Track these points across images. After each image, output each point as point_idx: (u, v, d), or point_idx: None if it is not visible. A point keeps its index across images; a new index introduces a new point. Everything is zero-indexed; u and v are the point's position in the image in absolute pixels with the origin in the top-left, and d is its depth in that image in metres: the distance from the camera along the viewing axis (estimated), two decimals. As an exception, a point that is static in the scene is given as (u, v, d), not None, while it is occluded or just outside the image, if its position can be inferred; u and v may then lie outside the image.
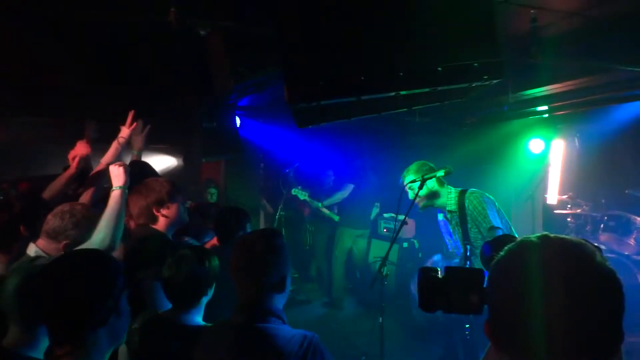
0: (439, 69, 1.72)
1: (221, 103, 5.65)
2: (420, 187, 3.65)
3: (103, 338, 1.43)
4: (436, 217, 4.18)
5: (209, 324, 2.24)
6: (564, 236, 0.97)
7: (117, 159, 3.39)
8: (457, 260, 4.13)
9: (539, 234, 0.99)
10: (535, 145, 6.56)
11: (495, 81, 1.85)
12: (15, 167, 6.44)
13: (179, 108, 6.39)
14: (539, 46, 3.97)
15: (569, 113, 5.79)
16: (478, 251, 3.65)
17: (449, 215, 3.86)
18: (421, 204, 3.84)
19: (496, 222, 3.55)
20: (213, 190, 6.95)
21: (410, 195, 3.82)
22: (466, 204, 3.69)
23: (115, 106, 6.17)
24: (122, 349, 2.33)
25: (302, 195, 6.92)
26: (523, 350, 0.91)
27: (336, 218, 7.19)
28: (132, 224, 3.02)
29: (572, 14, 3.98)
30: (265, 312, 1.92)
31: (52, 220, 2.49)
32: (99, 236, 2.47)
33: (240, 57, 4.27)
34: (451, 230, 3.93)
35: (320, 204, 7.07)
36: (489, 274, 1.02)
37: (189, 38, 3.59)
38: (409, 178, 3.79)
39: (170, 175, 8.13)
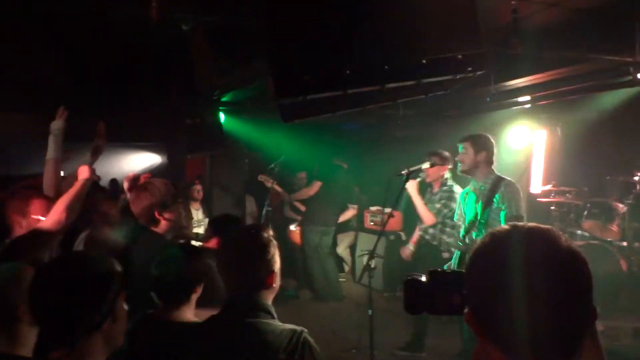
0: (423, 61, 1.73)
1: (204, 99, 5.61)
2: (406, 180, 3.69)
3: (98, 343, 1.41)
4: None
5: (199, 321, 2.23)
6: (531, 224, 1.01)
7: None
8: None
9: (511, 224, 1.03)
10: (518, 135, 6.62)
11: (479, 73, 1.86)
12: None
13: (162, 104, 6.32)
14: (520, 37, 4.01)
15: (551, 103, 5.84)
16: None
17: (477, 192, 3.99)
18: (465, 167, 4.02)
19: (524, 213, 3.75)
20: (198, 187, 6.91)
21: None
22: (503, 187, 3.82)
23: (96, 102, 6.11)
24: None
25: (267, 182, 6.91)
26: (501, 336, 0.95)
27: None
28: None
29: (552, 4, 4.02)
30: (254, 307, 1.91)
31: None
32: (64, 213, 2.51)
33: (223, 52, 4.24)
34: (469, 206, 4.04)
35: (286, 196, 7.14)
36: (469, 261, 1.05)
37: (171, 33, 3.56)
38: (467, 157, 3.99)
39: (155, 172, 8.06)
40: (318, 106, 2.00)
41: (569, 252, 0.94)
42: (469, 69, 1.80)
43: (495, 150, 4.12)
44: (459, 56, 1.75)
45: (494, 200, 3.79)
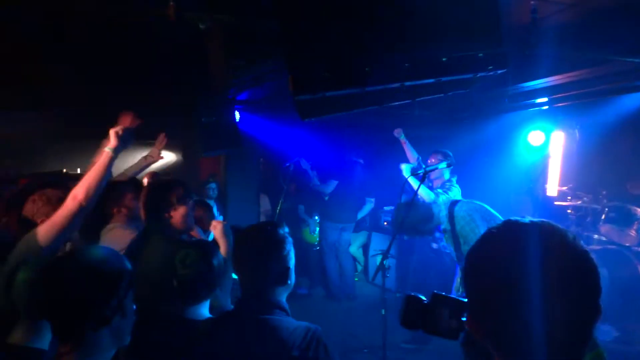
0: (444, 59, 1.72)
1: (220, 97, 5.63)
2: (422, 180, 3.63)
3: (106, 338, 1.42)
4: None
5: (213, 317, 2.24)
6: (531, 219, 0.95)
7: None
8: None
9: (505, 220, 0.98)
10: (535, 137, 6.56)
11: (500, 71, 1.84)
12: (14, 162, 6.42)
13: (178, 103, 6.37)
14: (539, 37, 3.97)
15: (569, 105, 5.78)
16: None
17: (443, 234, 3.86)
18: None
19: None
20: (213, 185, 6.94)
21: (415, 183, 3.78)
22: (455, 220, 3.64)
23: (114, 101, 6.17)
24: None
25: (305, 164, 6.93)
26: (506, 342, 0.90)
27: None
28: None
29: (572, 5, 3.97)
30: (268, 304, 1.93)
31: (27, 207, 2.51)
32: (82, 194, 2.34)
33: (239, 51, 4.26)
34: (447, 243, 3.92)
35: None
36: (465, 266, 1.01)
37: (188, 32, 3.58)
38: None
39: (170, 171, 8.13)
40: (335, 103, 1.99)
41: (579, 249, 0.89)
42: (490, 67, 1.79)
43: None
44: (480, 55, 1.73)
45: (459, 238, 3.68)
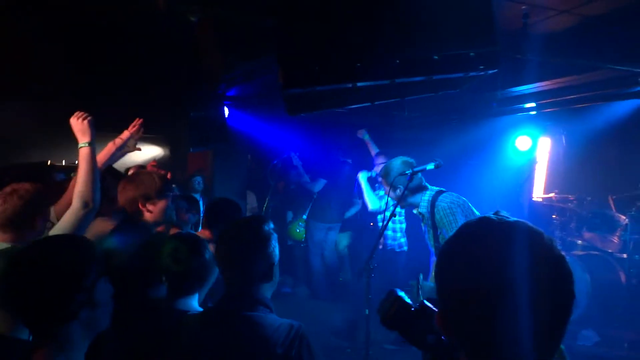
0: (435, 57, 1.71)
1: (209, 92, 5.58)
2: (410, 180, 3.59)
3: (77, 331, 1.37)
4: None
5: (200, 310, 2.22)
6: (504, 217, 0.93)
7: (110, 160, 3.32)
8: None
9: (481, 217, 0.95)
10: (522, 142, 6.61)
11: (490, 71, 1.83)
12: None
13: (166, 97, 6.30)
14: (530, 43, 3.99)
15: (556, 111, 5.83)
16: None
17: (420, 216, 3.81)
18: (402, 203, 3.72)
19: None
20: (199, 179, 6.89)
21: (397, 192, 3.71)
22: (435, 210, 3.57)
23: (102, 93, 6.10)
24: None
25: (296, 160, 6.93)
26: (476, 341, 0.89)
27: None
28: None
29: (563, 11, 3.99)
30: (252, 301, 1.90)
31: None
32: (80, 202, 2.38)
33: (230, 46, 4.22)
34: (426, 232, 3.88)
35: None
36: (438, 262, 0.97)
37: (178, 24, 3.54)
38: (394, 173, 3.66)
39: (158, 164, 8.04)
40: (325, 100, 1.97)
41: (556, 253, 0.88)
42: (481, 67, 1.78)
43: (414, 161, 3.74)
44: (472, 54, 1.72)
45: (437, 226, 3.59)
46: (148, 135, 8.22)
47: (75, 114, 2.62)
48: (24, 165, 4.79)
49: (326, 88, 1.78)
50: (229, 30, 3.81)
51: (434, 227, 3.62)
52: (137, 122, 3.32)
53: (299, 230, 7.45)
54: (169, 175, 3.23)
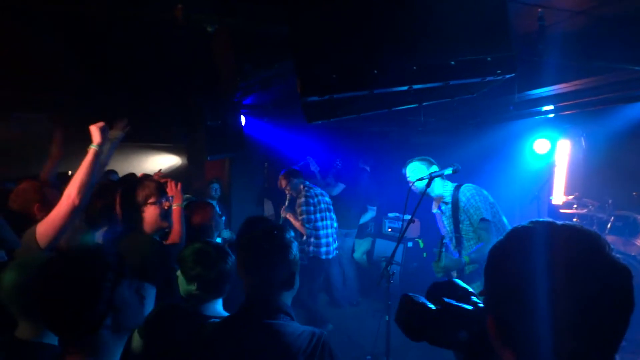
0: (452, 62, 1.71)
1: (226, 101, 5.64)
2: (428, 185, 3.65)
3: (107, 336, 1.39)
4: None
5: (226, 314, 2.26)
6: (571, 224, 0.89)
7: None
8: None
9: (541, 220, 0.92)
10: (540, 145, 6.54)
11: (508, 76, 1.83)
12: (16, 164, 6.43)
13: (184, 106, 6.38)
14: (546, 45, 3.95)
15: (575, 113, 5.76)
16: (468, 244, 3.85)
17: (443, 207, 3.96)
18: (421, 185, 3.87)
19: (487, 214, 3.68)
20: (216, 186, 6.96)
21: (417, 190, 3.85)
22: (460, 197, 3.79)
23: (118, 103, 6.20)
24: (135, 337, 2.34)
25: (314, 166, 6.98)
26: (526, 346, 0.87)
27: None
28: None
29: (579, 12, 3.95)
30: (273, 308, 1.91)
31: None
32: (65, 193, 2.45)
33: (247, 55, 4.26)
34: (445, 222, 3.99)
35: None
36: (487, 262, 0.95)
37: (195, 35, 3.58)
38: (415, 176, 3.82)
39: (175, 173, 8.14)
40: (343, 107, 1.98)
41: (614, 261, 0.84)
42: (498, 71, 1.77)
43: (433, 159, 4.07)
44: (488, 58, 1.72)
45: (460, 213, 3.79)
46: (166, 145, 8.33)
47: (97, 123, 2.73)
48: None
49: (344, 96, 1.79)
50: (245, 39, 3.85)
51: (455, 216, 3.78)
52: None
53: None
54: (170, 184, 3.27)
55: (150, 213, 2.85)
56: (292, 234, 2.10)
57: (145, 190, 2.85)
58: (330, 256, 5.64)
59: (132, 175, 4.76)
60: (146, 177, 3.70)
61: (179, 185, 3.30)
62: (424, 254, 7.31)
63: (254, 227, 3.52)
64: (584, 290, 0.81)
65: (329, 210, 5.64)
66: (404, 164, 4.08)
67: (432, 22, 1.71)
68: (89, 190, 2.53)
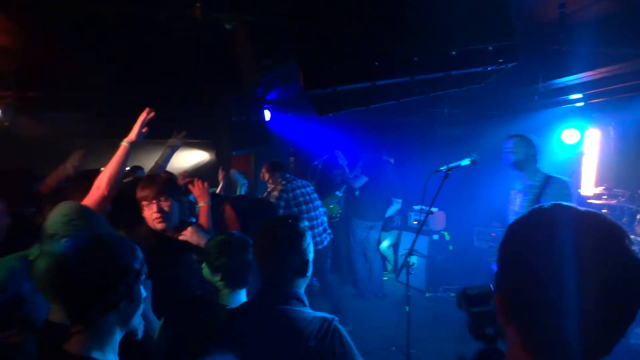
0: (453, 53, 1.72)
1: (249, 96, 5.73)
2: (445, 177, 3.65)
3: (114, 321, 1.49)
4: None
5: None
6: (594, 211, 0.89)
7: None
8: None
9: (564, 203, 0.92)
10: (568, 135, 6.41)
11: (510, 65, 1.83)
12: (52, 160, 6.67)
13: (208, 103, 6.50)
14: (569, 32, 3.88)
15: (604, 101, 5.62)
16: None
17: (528, 189, 4.01)
18: (518, 157, 4.07)
19: None
20: (244, 181, 7.05)
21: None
22: (552, 183, 3.90)
23: (145, 102, 6.34)
24: (160, 327, 2.44)
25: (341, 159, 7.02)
26: (537, 328, 0.87)
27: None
28: None
29: (603, -3, 3.87)
30: (287, 294, 1.97)
31: None
32: (95, 184, 2.66)
33: (266, 50, 4.32)
34: (525, 204, 4.04)
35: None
36: (504, 238, 0.96)
37: (215, 32, 3.66)
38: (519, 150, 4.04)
39: (203, 169, 8.29)
40: (351, 99, 2.02)
41: (631, 254, 0.84)
42: (500, 60, 1.78)
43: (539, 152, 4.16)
44: (490, 48, 1.73)
45: (544, 198, 3.76)
46: (193, 141, 8.48)
47: (142, 115, 3.02)
48: (80, 172, 5.08)
49: (346, 88, 1.82)
50: (264, 34, 3.91)
51: (537, 200, 3.86)
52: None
53: (332, 205, 7.47)
54: (196, 183, 3.35)
55: (145, 214, 2.88)
56: (307, 223, 2.15)
57: (140, 191, 2.87)
58: (320, 247, 5.60)
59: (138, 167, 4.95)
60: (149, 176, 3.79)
61: (205, 184, 3.37)
62: (450, 247, 7.28)
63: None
64: (595, 278, 0.82)
65: (310, 202, 5.60)
66: (510, 136, 4.24)
67: (433, 12, 1.72)
68: (118, 181, 2.73)
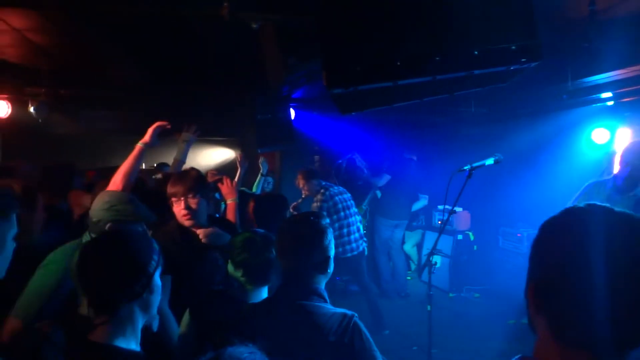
0: (475, 52, 1.72)
1: (275, 95, 5.78)
2: (469, 176, 3.62)
3: (137, 311, 1.57)
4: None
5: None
6: (629, 212, 0.93)
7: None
8: None
9: (598, 203, 0.96)
10: (599, 134, 6.27)
11: (534, 64, 1.81)
12: (85, 157, 6.87)
13: (234, 101, 6.59)
14: (599, 30, 3.81)
15: (635, 100, 5.49)
16: None
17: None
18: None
19: None
20: (269, 179, 7.12)
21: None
22: None
23: (174, 100, 6.48)
24: (185, 318, 2.50)
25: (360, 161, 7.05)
26: (569, 316, 0.90)
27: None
28: None
29: (635, -6, 3.79)
30: (308, 290, 2.00)
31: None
32: (112, 183, 2.81)
33: (292, 48, 4.36)
34: (621, 202, 3.86)
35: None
36: (538, 234, 0.99)
37: (242, 31, 3.71)
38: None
39: (230, 167, 8.40)
40: (374, 98, 2.03)
41: None
42: (523, 60, 1.77)
43: None
44: (513, 47, 1.72)
45: None
46: (220, 139, 8.60)
47: (157, 122, 3.14)
48: (106, 167, 5.22)
49: (368, 87, 1.83)
50: (289, 33, 3.95)
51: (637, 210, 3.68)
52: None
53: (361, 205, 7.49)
54: (225, 181, 3.41)
55: (174, 209, 2.92)
56: (328, 220, 2.18)
57: (170, 188, 2.92)
58: (356, 252, 5.65)
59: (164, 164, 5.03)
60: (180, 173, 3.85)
61: (234, 182, 3.42)
62: (475, 247, 7.21)
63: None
64: (626, 273, 0.85)
65: (348, 208, 5.66)
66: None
67: (454, 12, 1.72)
68: (133, 178, 2.89)
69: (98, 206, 2.32)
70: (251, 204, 3.74)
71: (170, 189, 2.88)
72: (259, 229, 3.32)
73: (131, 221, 2.35)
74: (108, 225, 2.29)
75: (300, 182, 5.78)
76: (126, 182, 2.81)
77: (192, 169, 3.72)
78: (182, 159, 3.80)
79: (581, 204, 0.96)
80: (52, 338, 1.96)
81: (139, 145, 3.00)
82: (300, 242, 2.04)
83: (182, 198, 2.83)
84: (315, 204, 5.53)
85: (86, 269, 1.54)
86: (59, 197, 3.81)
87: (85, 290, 1.55)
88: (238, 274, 2.45)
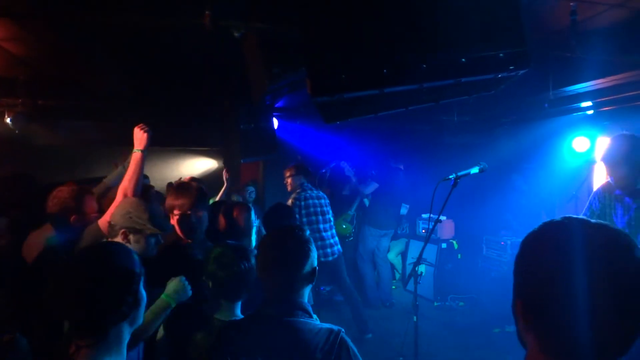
0: (463, 60, 1.69)
1: (257, 104, 5.73)
2: (454, 185, 3.60)
3: (125, 327, 1.49)
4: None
5: (241, 317, 2.29)
6: (604, 223, 0.95)
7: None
8: None
9: (574, 216, 0.98)
10: (579, 143, 6.34)
11: (522, 72, 1.80)
12: (63, 169, 6.71)
13: (217, 111, 6.52)
14: (580, 40, 3.85)
15: (614, 109, 5.56)
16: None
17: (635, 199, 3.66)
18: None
19: None
20: (251, 189, 7.06)
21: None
22: None
23: (155, 110, 6.39)
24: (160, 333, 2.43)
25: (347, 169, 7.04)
26: (555, 332, 0.92)
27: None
28: None
29: (614, 5, 3.83)
30: (293, 306, 1.94)
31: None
32: (121, 194, 2.78)
33: (274, 58, 4.32)
34: (626, 213, 3.74)
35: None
36: (520, 250, 1.01)
37: (224, 40, 3.67)
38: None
39: (211, 177, 8.31)
40: (357, 106, 1.99)
41: (637, 259, 0.89)
42: (511, 67, 1.75)
43: None
44: (501, 54, 1.70)
45: None
46: (202, 149, 8.51)
47: (140, 124, 3.01)
48: (86, 179, 5.10)
49: (354, 95, 1.80)
50: (272, 42, 3.91)
51: None
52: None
53: (345, 225, 7.45)
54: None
55: (174, 222, 2.91)
56: (308, 232, 2.13)
57: (174, 200, 2.93)
58: (330, 258, 5.58)
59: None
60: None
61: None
62: (459, 255, 7.22)
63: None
64: (606, 286, 0.87)
65: (322, 214, 5.63)
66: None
67: (442, 20, 1.70)
68: (140, 187, 2.88)
69: (117, 211, 2.48)
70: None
71: (174, 201, 2.87)
72: (232, 241, 3.25)
73: (143, 230, 2.41)
74: (122, 230, 2.40)
75: (287, 173, 5.76)
76: (135, 191, 2.81)
77: (193, 179, 3.68)
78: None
79: (557, 218, 0.99)
80: (17, 346, 1.87)
81: (137, 153, 2.93)
82: (292, 255, 1.97)
83: (188, 212, 2.84)
84: (289, 201, 5.55)
85: (68, 296, 1.43)
86: (18, 208, 3.70)
87: (68, 317, 1.46)
88: (211, 288, 2.39)
